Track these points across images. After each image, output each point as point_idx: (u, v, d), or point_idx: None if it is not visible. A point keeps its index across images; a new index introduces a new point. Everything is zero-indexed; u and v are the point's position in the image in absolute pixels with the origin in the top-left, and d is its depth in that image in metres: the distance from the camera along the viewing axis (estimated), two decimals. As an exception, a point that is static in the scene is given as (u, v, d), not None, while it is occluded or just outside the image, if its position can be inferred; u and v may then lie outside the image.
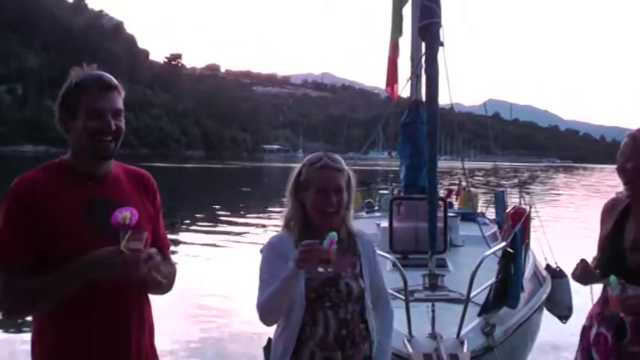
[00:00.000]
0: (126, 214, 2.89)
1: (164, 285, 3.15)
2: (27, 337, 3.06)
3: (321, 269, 3.31)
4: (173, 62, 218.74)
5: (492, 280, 5.50)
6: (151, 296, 3.26)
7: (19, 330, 8.81)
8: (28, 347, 3.08)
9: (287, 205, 3.60)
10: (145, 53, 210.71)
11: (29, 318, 3.12)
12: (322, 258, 3.16)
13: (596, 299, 3.71)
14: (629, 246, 3.37)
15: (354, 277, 3.47)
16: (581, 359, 3.58)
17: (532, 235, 9.43)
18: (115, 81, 3.05)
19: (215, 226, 24.14)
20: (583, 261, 3.54)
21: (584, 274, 3.50)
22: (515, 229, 5.95)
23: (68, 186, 3.00)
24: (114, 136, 3.01)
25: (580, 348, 3.64)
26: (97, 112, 2.96)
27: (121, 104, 3.05)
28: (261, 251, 3.60)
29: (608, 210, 3.61)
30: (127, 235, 2.85)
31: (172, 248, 3.19)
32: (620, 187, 3.52)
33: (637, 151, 3.39)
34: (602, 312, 3.49)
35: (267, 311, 3.41)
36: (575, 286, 7.23)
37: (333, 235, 3.18)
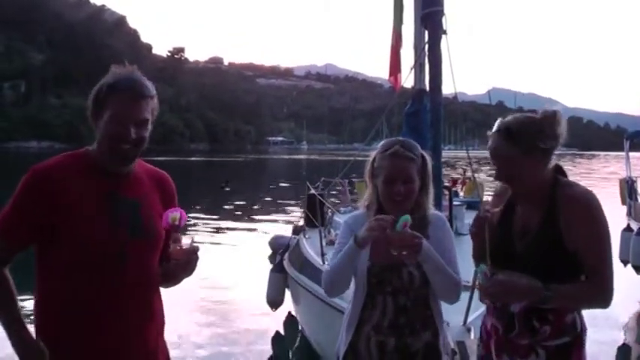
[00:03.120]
0: (175, 215, 2.98)
1: (180, 281, 3.22)
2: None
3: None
4: (176, 56, 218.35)
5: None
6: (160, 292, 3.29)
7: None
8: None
9: (367, 187, 3.63)
10: (148, 47, 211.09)
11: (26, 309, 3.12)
12: (397, 244, 3.18)
13: None
14: (516, 233, 3.38)
15: (418, 264, 3.39)
16: (483, 350, 3.59)
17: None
18: (148, 90, 3.03)
19: (221, 220, 24.15)
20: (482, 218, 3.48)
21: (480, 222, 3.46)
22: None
23: (89, 178, 3.02)
24: (134, 144, 3.00)
25: (481, 340, 3.64)
26: (120, 119, 2.95)
27: (148, 114, 3.03)
28: None
29: (498, 196, 3.59)
30: (175, 237, 3.00)
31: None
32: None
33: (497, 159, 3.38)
34: (494, 303, 3.47)
35: (328, 283, 3.50)
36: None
37: (407, 218, 3.17)
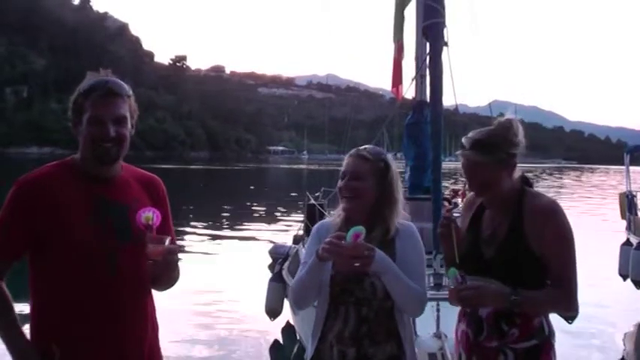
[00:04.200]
0: (148, 215, 2.96)
1: (172, 283, 3.24)
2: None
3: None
4: (178, 64, 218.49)
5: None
6: (154, 296, 3.28)
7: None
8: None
9: None
10: (150, 55, 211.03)
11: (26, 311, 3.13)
12: (348, 255, 3.14)
13: None
14: (485, 239, 3.48)
15: None
16: (456, 357, 3.66)
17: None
18: (121, 88, 3.05)
19: (220, 228, 24.17)
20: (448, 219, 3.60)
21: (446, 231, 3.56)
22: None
23: (75, 185, 3.03)
24: (115, 143, 3.01)
25: (455, 346, 3.73)
26: (97, 120, 2.98)
27: (125, 111, 3.05)
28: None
29: (468, 204, 3.71)
30: (150, 237, 2.94)
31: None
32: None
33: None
34: (463, 309, 3.58)
35: (294, 296, 3.53)
36: (581, 286, 7.28)
37: (359, 229, 3.15)
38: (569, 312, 3.40)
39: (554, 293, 3.34)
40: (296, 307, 3.60)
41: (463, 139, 3.46)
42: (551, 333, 3.46)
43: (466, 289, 3.24)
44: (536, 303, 3.35)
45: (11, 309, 3.01)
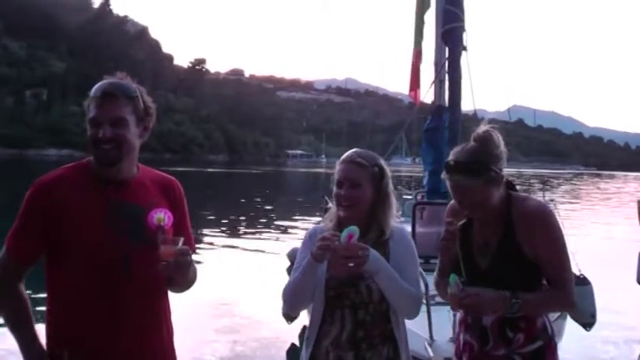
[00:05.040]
0: (160, 216, 2.97)
1: (188, 285, 3.24)
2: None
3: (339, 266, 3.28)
4: (197, 67, 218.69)
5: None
6: (170, 298, 3.29)
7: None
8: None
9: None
10: (170, 58, 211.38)
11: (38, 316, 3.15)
12: (342, 255, 3.16)
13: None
14: (477, 250, 3.49)
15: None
16: None
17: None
18: (123, 90, 3.04)
19: (237, 230, 24.18)
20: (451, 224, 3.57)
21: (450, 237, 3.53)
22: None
23: (90, 187, 3.06)
24: (113, 144, 3.01)
25: (457, 355, 3.70)
26: (94, 121, 3.01)
27: (124, 113, 3.04)
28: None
29: (453, 211, 3.64)
30: (162, 238, 2.94)
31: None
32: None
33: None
34: (466, 319, 3.59)
35: (287, 300, 3.50)
36: (599, 293, 7.25)
37: (353, 229, 3.17)
38: (567, 309, 3.59)
39: (553, 294, 3.41)
40: (289, 310, 3.58)
41: (447, 162, 3.44)
42: (553, 332, 3.53)
43: (467, 297, 3.25)
44: (537, 304, 3.41)
45: (28, 314, 3.06)
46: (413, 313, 3.54)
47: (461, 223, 3.56)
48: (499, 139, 3.42)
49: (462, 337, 3.62)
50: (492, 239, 3.46)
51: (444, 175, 3.46)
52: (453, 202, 3.67)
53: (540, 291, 3.41)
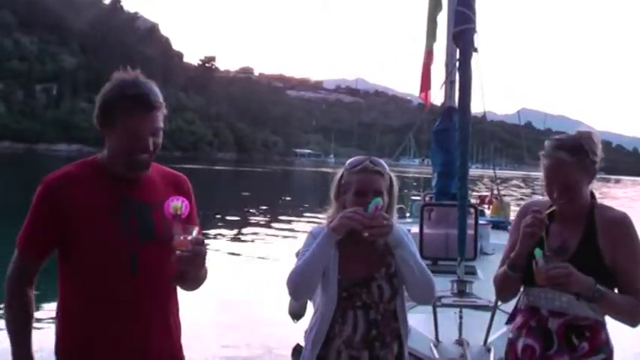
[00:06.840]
0: (177, 204, 2.92)
1: (199, 282, 3.23)
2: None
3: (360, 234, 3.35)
4: (207, 65, 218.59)
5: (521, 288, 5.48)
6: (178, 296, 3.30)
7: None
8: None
9: (331, 205, 3.68)
10: (179, 55, 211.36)
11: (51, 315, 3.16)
12: (363, 222, 3.26)
13: (519, 312, 3.76)
14: (551, 251, 3.45)
15: (387, 277, 3.47)
16: None
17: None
18: (159, 99, 3.02)
19: (245, 230, 24.18)
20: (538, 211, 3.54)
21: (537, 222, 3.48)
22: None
23: (100, 184, 3.05)
24: (151, 153, 3.04)
25: None
26: (137, 133, 2.97)
27: (161, 122, 3.04)
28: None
29: (524, 214, 3.62)
30: (178, 227, 2.89)
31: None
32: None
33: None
34: (528, 322, 3.58)
35: (294, 280, 3.42)
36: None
37: (378, 201, 3.30)
38: (637, 321, 3.46)
39: (631, 300, 3.40)
40: (295, 294, 3.51)
41: (547, 143, 3.52)
42: (613, 348, 3.52)
43: (556, 267, 3.28)
44: (614, 303, 3.41)
45: (29, 321, 3.06)
46: (429, 298, 3.68)
47: (547, 212, 3.55)
48: (599, 143, 3.54)
49: (521, 341, 3.60)
50: (572, 241, 3.51)
51: (542, 152, 3.53)
52: (524, 204, 3.77)
53: (621, 295, 3.44)
